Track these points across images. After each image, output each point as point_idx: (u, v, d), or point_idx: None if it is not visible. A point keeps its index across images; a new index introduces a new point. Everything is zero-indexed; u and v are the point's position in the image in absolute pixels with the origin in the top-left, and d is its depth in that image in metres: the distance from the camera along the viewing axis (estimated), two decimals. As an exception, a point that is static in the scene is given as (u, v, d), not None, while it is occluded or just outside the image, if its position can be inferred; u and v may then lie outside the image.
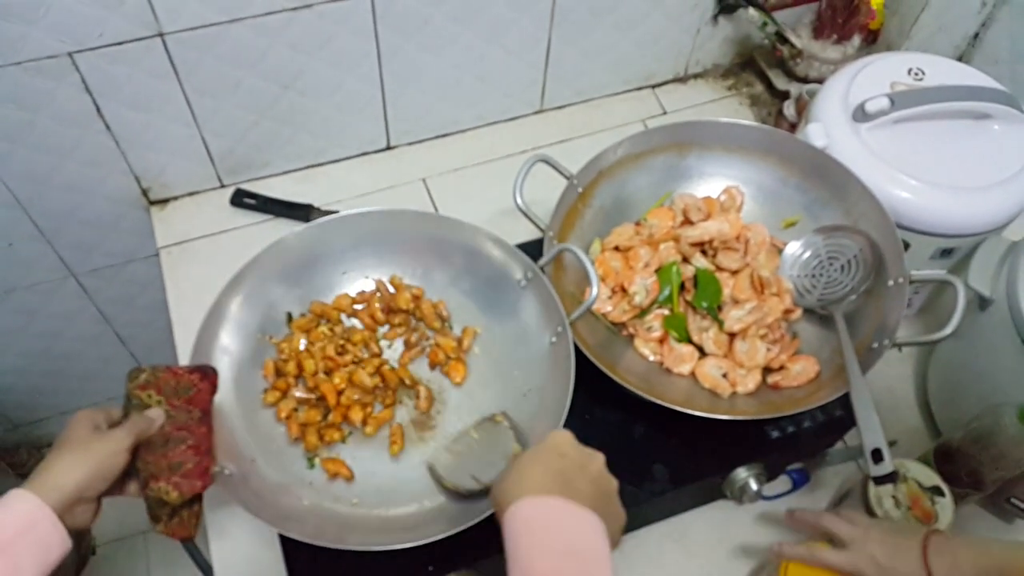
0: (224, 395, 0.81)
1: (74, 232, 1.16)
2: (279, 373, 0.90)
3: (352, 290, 0.97)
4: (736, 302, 0.96)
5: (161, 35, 0.94)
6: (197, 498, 0.75)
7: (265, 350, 0.92)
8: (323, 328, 0.93)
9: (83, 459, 0.67)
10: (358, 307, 0.96)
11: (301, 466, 0.87)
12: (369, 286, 0.97)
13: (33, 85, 0.93)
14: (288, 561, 0.84)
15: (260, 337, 0.91)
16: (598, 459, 0.67)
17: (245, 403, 0.88)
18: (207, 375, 0.78)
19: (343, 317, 0.96)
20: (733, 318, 0.94)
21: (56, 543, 0.64)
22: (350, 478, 0.86)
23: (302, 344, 0.92)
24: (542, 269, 0.90)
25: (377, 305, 0.95)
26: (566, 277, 0.95)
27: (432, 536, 0.75)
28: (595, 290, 0.85)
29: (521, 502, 0.58)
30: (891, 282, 0.90)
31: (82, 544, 1.33)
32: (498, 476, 0.66)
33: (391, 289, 0.96)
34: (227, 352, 0.88)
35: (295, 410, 0.89)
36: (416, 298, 0.96)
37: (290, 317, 0.94)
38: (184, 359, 1.00)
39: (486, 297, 0.96)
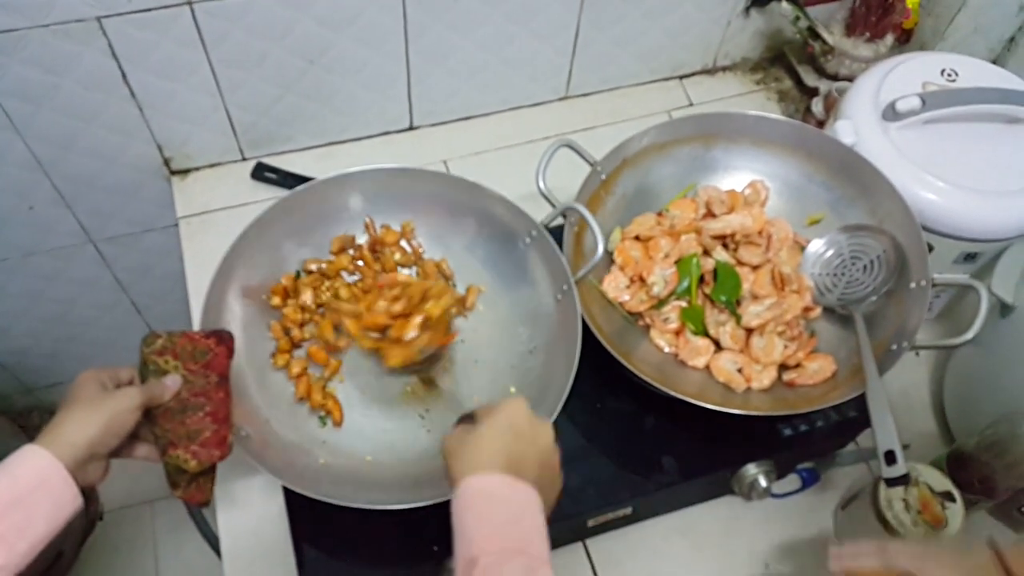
0: (236, 357, 0.82)
1: (95, 198, 1.16)
2: (287, 334, 0.91)
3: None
4: (755, 297, 0.95)
5: (189, 3, 0.93)
6: (213, 465, 0.75)
7: (273, 311, 0.92)
8: (325, 287, 0.93)
9: (94, 416, 0.67)
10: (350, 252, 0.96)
11: (314, 425, 0.88)
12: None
13: (60, 48, 0.93)
14: (294, 532, 0.85)
15: (268, 297, 0.92)
16: (547, 431, 0.68)
17: (256, 364, 0.88)
18: (223, 340, 0.78)
19: (344, 275, 0.96)
20: (751, 313, 0.93)
21: (68, 499, 0.64)
22: (339, 421, 0.87)
23: (308, 298, 0.92)
24: (547, 228, 0.90)
25: (362, 243, 0.96)
26: (585, 261, 0.94)
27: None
28: (600, 248, 0.86)
29: (470, 478, 0.62)
30: (913, 284, 0.89)
31: (90, 509, 1.34)
32: (452, 443, 0.67)
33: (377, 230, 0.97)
34: (235, 313, 0.88)
35: (306, 369, 0.89)
36: (404, 232, 0.96)
37: (298, 275, 0.94)
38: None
39: (492, 256, 0.97)
